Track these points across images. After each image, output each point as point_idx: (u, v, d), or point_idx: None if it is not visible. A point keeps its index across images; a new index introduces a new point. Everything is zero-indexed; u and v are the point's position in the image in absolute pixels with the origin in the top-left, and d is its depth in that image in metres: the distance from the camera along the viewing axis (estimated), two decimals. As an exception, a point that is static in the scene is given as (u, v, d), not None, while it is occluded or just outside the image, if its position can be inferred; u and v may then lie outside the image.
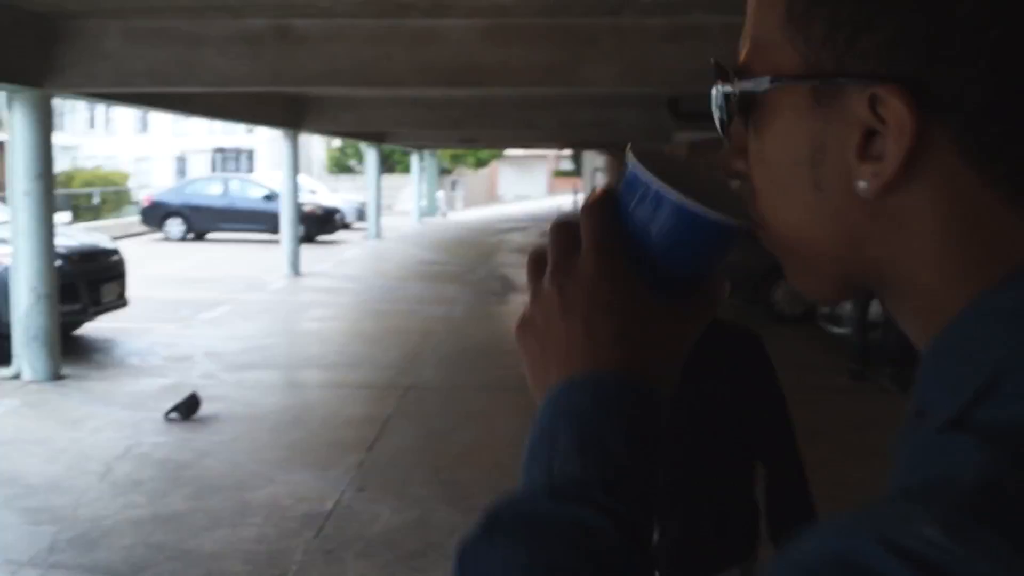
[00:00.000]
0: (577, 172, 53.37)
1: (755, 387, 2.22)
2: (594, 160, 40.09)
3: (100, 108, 49.20)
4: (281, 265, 17.89)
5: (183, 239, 25.55)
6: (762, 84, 0.63)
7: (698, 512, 2.24)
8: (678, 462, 2.23)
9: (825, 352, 10.04)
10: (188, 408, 7.48)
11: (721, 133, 0.69)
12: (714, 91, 0.68)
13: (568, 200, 45.57)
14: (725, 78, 0.67)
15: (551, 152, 60.62)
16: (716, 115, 0.69)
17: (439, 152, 43.50)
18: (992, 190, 0.55)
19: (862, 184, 0.58)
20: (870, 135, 0.57)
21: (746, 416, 2.23)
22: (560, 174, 67.54)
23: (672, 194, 0.68)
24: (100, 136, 52.35)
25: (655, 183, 0.69)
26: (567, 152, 53.69)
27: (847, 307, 9.02)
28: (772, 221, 0.66)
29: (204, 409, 7.61)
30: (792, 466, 2.30)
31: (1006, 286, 0.55)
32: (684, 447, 2.22)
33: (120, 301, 10.93)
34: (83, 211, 29.81)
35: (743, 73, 0.65)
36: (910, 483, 0.51)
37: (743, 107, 0.65)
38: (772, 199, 0.66)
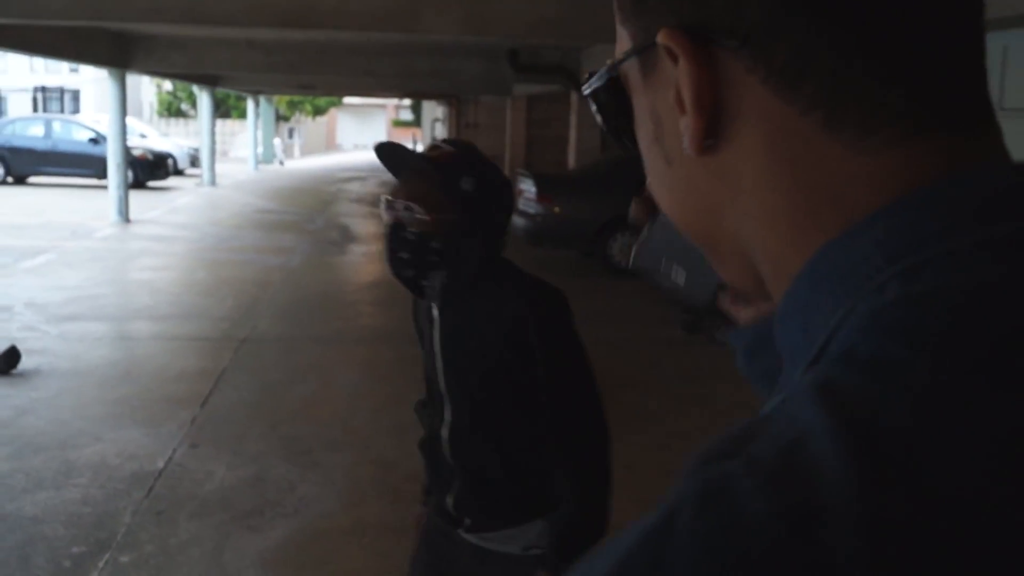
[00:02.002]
0: (417, 122, 53.04)
1: (529, 346, 2.13)
2: (434, 110, 39.86)
3: (-93, 42, 45.97)
4: (109, 212, 17.17)
5: (2, 183, 24.17)
6: (604, 75, 0.62)
7: (489, 462, 2.24)
8: (467, 410, 2.23)
9: (659, 305, 10.25)
10: (6, 362, 7.08)
11: (620, 147, 0.67)
12: (592, 107, 0.65)
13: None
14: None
15: (390, 101, 60.08)
16: (608, 132, 0.66)
17: (276, 98, 42.57)
18: (806, 118, 0.51)
19: (685, 141, 0.55)
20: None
21: (539, 365, 2.16)
22: (399, 124, 67.14)
23: None
24: (-93, 72, 49.00)
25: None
26: (407, 102, 53.25)
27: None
28: (671, 217, 0.62)
29: (24, 363, 7.21)
30: (587, 421, 2.22)
31: (839, 241, 0.50)
32: (468, 395, 2.23)
33: (-70, 249, 10.26)
34: None
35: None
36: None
37: (615, 108, 0.63)
38: (655, 192, 0.63)
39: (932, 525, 0.38)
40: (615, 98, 0.62)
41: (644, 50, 0.57)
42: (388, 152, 2.17)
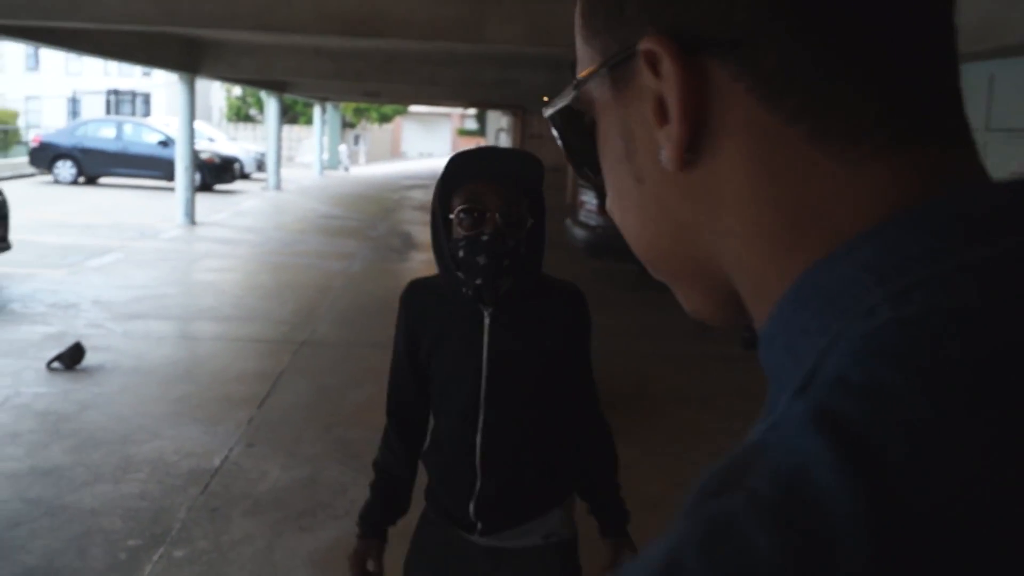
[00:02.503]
0: (481, 132, 53.29)
1: (579, 342, 2.31)
2: (498, 120, 40.00)
3: (-12, 43, 47.26)
4: (176, 213, 17.46)
5: (74, 183, 24.72)
6: (568, 94, 0.60)
7: (524, 462, 2.28)
8: (510, 413, 2.26)
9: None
10: (72, 358, 7.23)
11: (579, 174, 0.65)
12: (553, 131, 0.64)
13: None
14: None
15: (455, 110, 60.41)
16: (568, 157, 0.65)
17: (342, 105, 42.99)
18: (791, 128, 0.50)
19: (663, 155, 0.53)
20: (662, 101, 0.53)
21: (569, 369, 2.30)
22: (464, 133, 67.40)
23: None
24: (-13, 73, 50.32)
25: None
26: (472, 111, 53.53)
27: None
28: (630, 241, 0.61)
29: (89, 359, 7.38)
30: (599, 420, 2.44)
31: (826, 261, 0.49)
32: (514, 398, 2.25)
33: (2, 244, 10.48)
34: (-33, 150, 28.67)
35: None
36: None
37: (578, 131, 0.61)
38: (618, 215, 0.61)
39: (945, 558, 0.37)
40: (577, 119, 0.61)
41: (620, 61, 0.55)
42: (491, 156, 2.21)
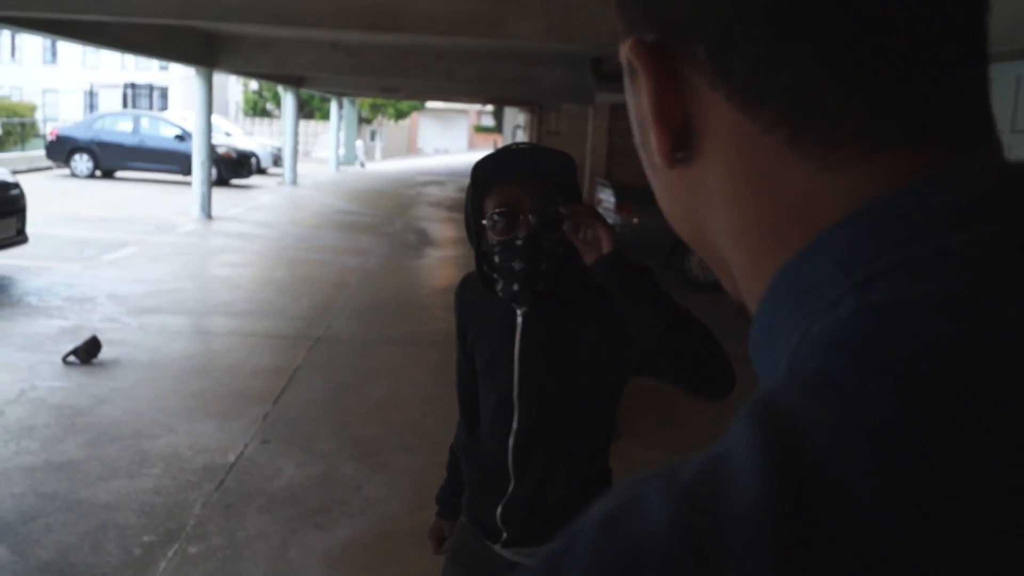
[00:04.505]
0: (498, 128, 53.23)
1: (621, 344, 2.13)
2: (515, 117, 39.95)
3: (5, 35, 47.50)
4: (192, 208, 17.48)
5: (90, 176, 24.76)
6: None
7: (553, 469, 2.20)
8: (542, 415, 2.18)
9: (737, 319, 10.10)
10: (88, 352, 7.22)
11: None
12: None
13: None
14: None
15: (472, 107, 60.41)
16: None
17: (359, 100, 43.02)
18: (771, 135, 0.48)
19: (655, 154, 0.52)
20: None
21: (609, 374, 2.18)
22: (480, 129, 67.42)
23: None
24: (5, 65, 50.53)
25: None
26: (488, 108, 53.49)
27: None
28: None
29: (105, 353, 7.36)
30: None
31: (798, 257, 0.47)
32: (546, 400, 2.18)
33: (19, 237, 10.48)
34: (-15, 143, 28.77)
35: None
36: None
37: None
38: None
39: (842, 560, 0.35)
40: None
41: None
42: (519, 156, 2.11)
